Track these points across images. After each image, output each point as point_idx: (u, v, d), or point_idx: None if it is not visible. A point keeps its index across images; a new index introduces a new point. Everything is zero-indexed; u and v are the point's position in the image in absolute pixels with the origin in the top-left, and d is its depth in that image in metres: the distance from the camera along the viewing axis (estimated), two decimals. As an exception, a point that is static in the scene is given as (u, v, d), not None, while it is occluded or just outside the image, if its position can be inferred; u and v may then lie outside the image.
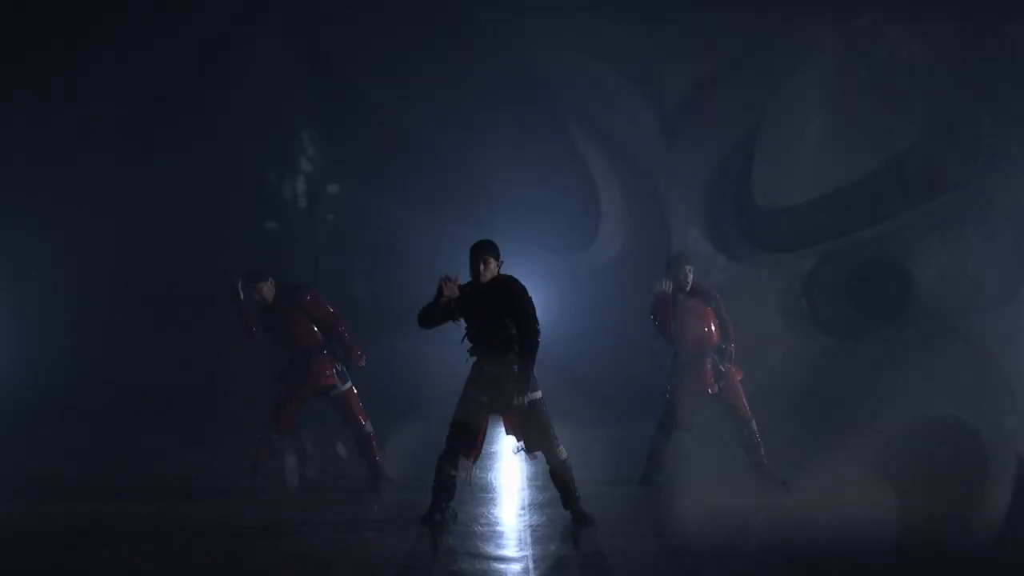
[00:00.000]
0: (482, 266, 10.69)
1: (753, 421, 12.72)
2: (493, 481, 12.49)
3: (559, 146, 14.92)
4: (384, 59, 15.00)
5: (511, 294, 10.69)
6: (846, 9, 14.97)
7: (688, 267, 12.44)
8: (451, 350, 13.16)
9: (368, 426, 12.36)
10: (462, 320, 10.76)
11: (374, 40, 15.05)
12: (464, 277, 10.67)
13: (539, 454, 10.84)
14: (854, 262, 14.97)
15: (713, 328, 12.64)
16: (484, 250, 10.72)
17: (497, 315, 10.66)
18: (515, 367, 10.62)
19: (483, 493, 11.95)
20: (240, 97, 15.11)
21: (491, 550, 10.18)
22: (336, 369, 12.29)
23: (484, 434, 10.86)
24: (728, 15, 14.88)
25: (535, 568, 9.70)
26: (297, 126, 15.43)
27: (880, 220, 14.80)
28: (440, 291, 10.64)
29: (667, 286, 12.45)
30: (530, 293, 10.79)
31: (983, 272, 14.86)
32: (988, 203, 14.96)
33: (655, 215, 14.84)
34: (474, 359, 10.79)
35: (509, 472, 12.87)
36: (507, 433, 10.88)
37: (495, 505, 11.52)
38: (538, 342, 10.63)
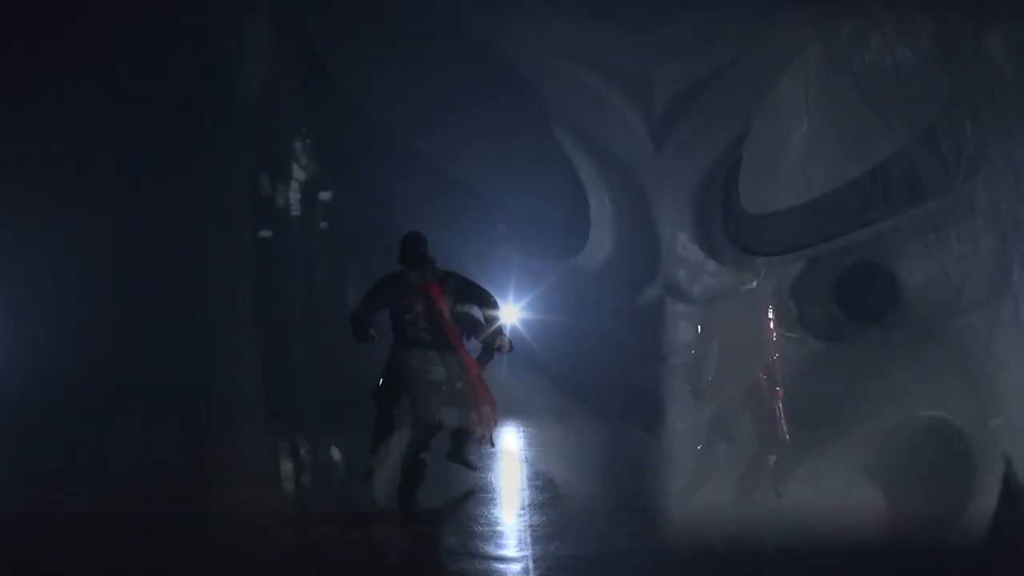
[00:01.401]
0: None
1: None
2: (493, 481, 12.59)
3: (549, 153, 14.96)
4: (376, 65, 15.06)
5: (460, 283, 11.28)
6: (830, 17, 15.08)
7: None
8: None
9: None
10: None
11: (368, 46, 15.12)
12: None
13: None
14: (840, 266, 15.08)
15: None
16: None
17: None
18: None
19: (483, 493, 12.05)
20: (234, 101, 15.19)
21: (491, 550, 10.29)
22: None
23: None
24: (715, 22, 14.97)
25: (535, 568, 9.81)
26: (291, 133, 15.48)
27: (866, 224, 14.91)
28: None
29: None
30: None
31: (967, 275, 15.00)
32: (971, 207, 15.11)
33: (643, 220, 14.89)
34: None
35: (509, 472, 12.97)
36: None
37: (495, 505, 11.62)
38: None
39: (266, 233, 15.46)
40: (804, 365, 14.81)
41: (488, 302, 11.42)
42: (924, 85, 15.16)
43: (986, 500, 12.92)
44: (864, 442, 14.16)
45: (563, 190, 15.10)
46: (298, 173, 15.52)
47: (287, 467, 13.06)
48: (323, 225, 15.57)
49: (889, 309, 15.00)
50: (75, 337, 15.22)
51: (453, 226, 14.89)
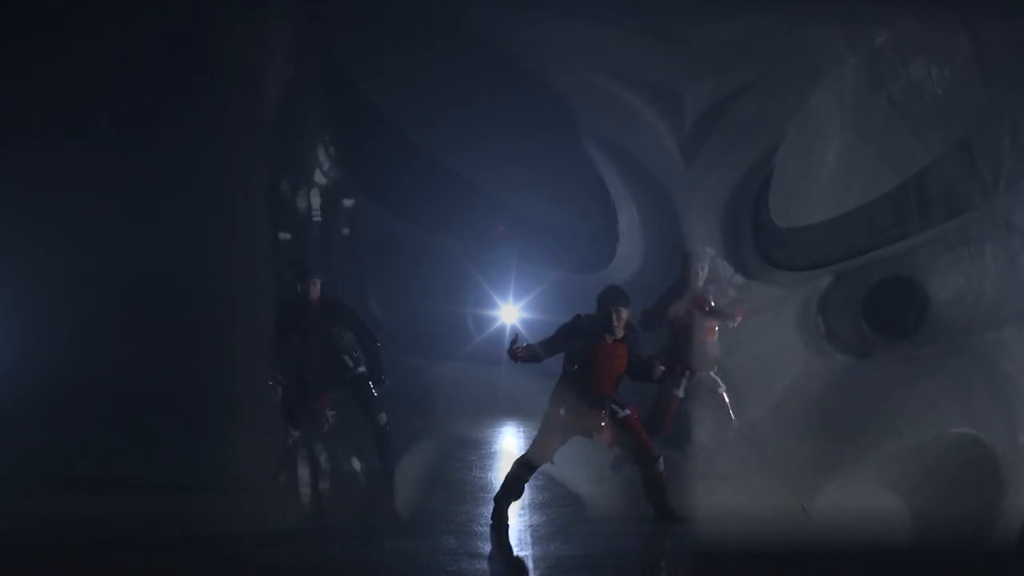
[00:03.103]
0: None
1: None
2: (493, 481, 12.47)
3: (577, 166, 14.93)
4: (400, 75, 15.11)
5: None
6: (865, 30, 14.93)
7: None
8: (462, 366, 13.24)
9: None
10: None
11: (390, 56, 15.17)
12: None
13: None
14: (871, 280, 14.89)
15: None
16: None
17: None
18: None
19: (483, 493, 11.93)
20: (255, 104, 15.28)
21: (491, 550, 10.21)
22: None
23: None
24: (746, 36, 14.86)
25: (535, 568, 9.70)
26: (313, 139, 15.55)
27: (898, 239, 14.71)
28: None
29: None
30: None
31: (1000, 291, 14.76)
32: (1006, 222, 14.88)
33: (672, 235, 14.78)
34: None
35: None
36: None
37: (495, 505, 11.52)
38: None
39: (284, 236, 15.52)
40: (832, 380, 14.67)
41: None
42: (960, 101, 14.96)
43: (1015, 517, 12.67)
44: (892, 459, 13.92)
45: (592, 204, 15.06)
46: (320, 179, 15.58)
47: (296, 472, 12.99)
48: (344, 232, 15.62)
49: (919, 324, 14.79)
50: (81, 339, 15.32)
51: (477, 238, 14.98)
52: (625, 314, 10.83)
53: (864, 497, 13.20)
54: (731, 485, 13.18)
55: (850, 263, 14.73)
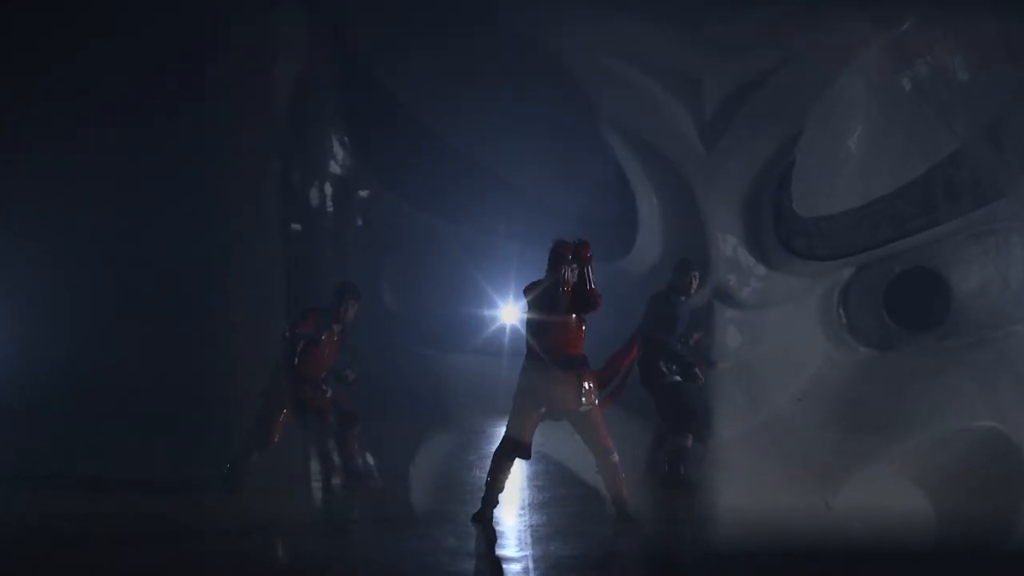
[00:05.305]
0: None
1: None
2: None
3: (596, 153, 14.76)
4: (416, 62, 15.00)
5: None
6: (888, 16, 14.67)
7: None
8: (477, 358, 13.17)
9: None
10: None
11: (406, 42, 15.07)
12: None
13: None
14: (893, 271, 14.67)
15: None
16: None
17: None
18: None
19: (482, 493, 11.86)
20: (266, 94, 15.24)
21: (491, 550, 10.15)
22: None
23: None
24: (768, 22, 14.64)
25: (535, 568, 9.66)
26: (327, 128, 15.49)
27: (922, 229, 14.47)
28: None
29: None
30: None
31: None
32: (1035, 212, 14.65)
33: (693, 223, 14.59)
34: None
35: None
36: None
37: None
38: None
39: (296, 227, 15.47)
40: (854, 373, 14.50)
41: None
42: (986, 87, 14.70)
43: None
44: (915, 452, 13.76)
45: (610, 191, 14.89)
46: (334, 168, 15.52)
47: (303, 470, 12.92)
48: (358, 222, 15.56)
49: (942, 316, 14.58)
50: (85, 335, 15.36)
51: (492, 226, 14.88)
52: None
53: (887, 491, 13.06)
54: (751, 478, 13.07)
55: (873, 254, 14.49)
